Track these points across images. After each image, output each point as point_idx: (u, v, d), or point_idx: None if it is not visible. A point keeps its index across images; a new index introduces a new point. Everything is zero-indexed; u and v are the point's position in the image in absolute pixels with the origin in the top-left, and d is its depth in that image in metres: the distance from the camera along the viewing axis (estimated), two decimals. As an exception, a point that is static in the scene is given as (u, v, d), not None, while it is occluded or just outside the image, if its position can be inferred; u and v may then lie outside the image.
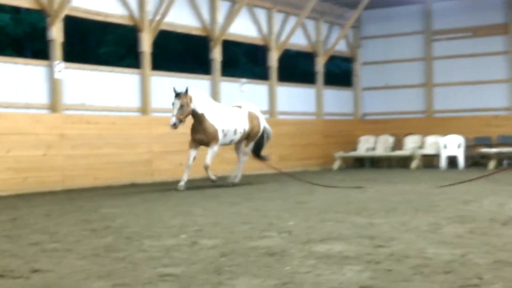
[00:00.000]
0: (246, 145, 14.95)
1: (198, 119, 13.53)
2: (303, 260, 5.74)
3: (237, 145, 14.87)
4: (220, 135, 13.81)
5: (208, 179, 13.87)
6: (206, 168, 13.67)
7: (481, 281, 4.79)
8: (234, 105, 14.92)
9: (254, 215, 9.10)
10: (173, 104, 13.13)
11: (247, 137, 14.75)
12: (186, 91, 13.25)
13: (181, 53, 31.62)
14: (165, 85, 16.90)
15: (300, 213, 9.21)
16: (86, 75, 15.41)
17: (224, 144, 14.27)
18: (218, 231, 7.56)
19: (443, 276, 4.98)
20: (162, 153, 16.44)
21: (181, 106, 13.05)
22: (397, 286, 4.69)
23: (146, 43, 16.44)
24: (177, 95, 13.16)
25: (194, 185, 14.21)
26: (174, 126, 12.94)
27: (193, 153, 13.61)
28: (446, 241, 6.59)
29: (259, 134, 14.98)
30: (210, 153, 13.70)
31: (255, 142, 15.02)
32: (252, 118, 14.78)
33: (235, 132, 14.26)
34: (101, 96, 15.61)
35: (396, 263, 5.51)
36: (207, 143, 13.69)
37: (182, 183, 13.36)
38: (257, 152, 15.24)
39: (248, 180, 15.35)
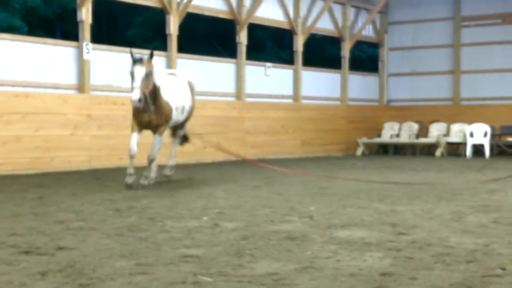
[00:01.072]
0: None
1: (153, 94, 10.32)
2: (324, 245, 5.76)
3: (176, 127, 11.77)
4: (174, 116, 10.91)
5: (145, 177, 10.76)
6: (151, 161, 10.79)
7: (504, 272, 4.77)
8: (167, 72, 11.46)
9: (276, 199, 9.13)
10: (132, 72, 9.98)
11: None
12: (151, 56, 10.21)
13: (207, 36, 31.64)
14: (191, 68, 16.94)
15: (322, 198, 9.22)
16: (114, 56, 15.48)
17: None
18: (239, 214, 7.61)
19: (465, 265, 4.98)
20: (186, 135, 16.49)
21: (147, 76, 9.96)
22: (418, 274, 4.70)
23: (173, 26, 16.46)
24: (139, 60, 10.04)
25: (217, 168, 14.27)
26: (140, 102, 9.83)
27: (136, 137, 10.48)
28: (469, 230, 6.56)
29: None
30: (158, 141, 10.73)
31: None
32: (192, 90, 11.83)
33: (182, 110, 11.31)
34: (127, 78, 15.67)
35: (418, 251, 5.51)
36: (156, 126, 10.61)
37: (129, 179, 10.36)
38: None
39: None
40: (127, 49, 16.33)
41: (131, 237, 6.15)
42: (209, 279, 4.54)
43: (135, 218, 7.28)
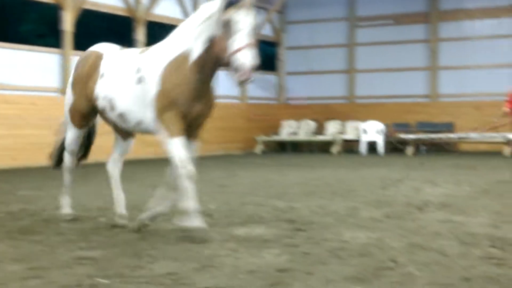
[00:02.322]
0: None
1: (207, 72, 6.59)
2: (223, 243, 5.78)
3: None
4: None
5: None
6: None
7: (395, 264, 4.95)
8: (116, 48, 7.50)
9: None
10: (230, 22, 5.75)
11: None
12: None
13: (105, 33, 31.06)
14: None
15: (221, 196, 9.24)
16: (5, 53, 14.96)
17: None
18: (137, 214, 7.49)
19: (359, 259, 5.13)
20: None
21: (256, 29, 6.04)
22: (314, 269, 4.80)
23: (68, 22, 16.07)
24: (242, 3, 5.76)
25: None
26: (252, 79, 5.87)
27: (183, 143, 6.23)
28: (363, 225, 6.76)
29: None
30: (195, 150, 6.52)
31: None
32: None
33: None
34: (21, 76, 15.17)
35: (314, 246, 5.63)
36: (199, 126, 6.60)
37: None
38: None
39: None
40: (20, 45, 15.93)
41: (24, 240, 5.95)
42: (106, 281, 4.46)
43: (29, 221, 7.05)
